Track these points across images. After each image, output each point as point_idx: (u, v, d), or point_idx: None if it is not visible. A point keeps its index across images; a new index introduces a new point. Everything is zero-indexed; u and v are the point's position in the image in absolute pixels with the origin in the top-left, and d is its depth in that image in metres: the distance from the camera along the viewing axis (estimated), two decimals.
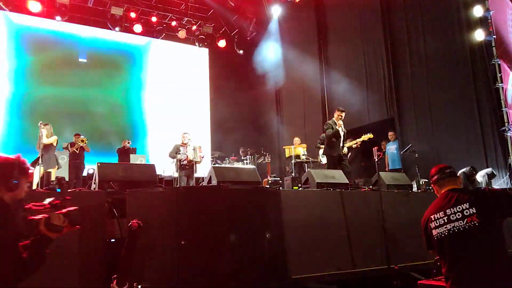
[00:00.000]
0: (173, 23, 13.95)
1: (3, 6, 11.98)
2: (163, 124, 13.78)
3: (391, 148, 9.70)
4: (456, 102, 8.60)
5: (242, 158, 10.82)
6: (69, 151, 9.88)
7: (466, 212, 2.64)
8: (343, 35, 11.52)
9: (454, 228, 2.65)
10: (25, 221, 2.16)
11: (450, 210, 2.71)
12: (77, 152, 9.85)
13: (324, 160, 8.60)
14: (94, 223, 4.20)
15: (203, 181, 7.75)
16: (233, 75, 14.68)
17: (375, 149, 5.68)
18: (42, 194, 4.43)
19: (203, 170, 9.42)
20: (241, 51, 14.99)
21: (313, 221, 5.16)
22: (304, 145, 10.10)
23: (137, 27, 13.32)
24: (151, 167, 5.46)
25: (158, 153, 12.86)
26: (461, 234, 2.62)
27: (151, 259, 4.13)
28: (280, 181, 6.00)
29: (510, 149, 7.86)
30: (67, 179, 8.30)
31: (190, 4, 14.03)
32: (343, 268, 5.12)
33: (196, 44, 14.75)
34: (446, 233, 2.68)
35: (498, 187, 7.32)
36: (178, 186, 8.13)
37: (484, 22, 8.27)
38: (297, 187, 5.75)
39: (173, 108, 14.09)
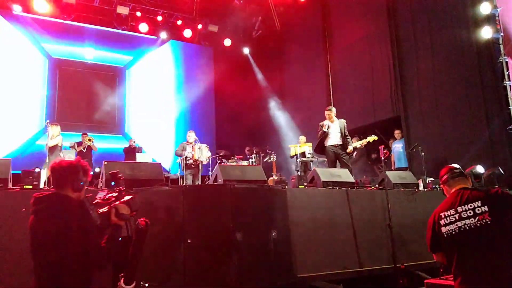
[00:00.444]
0: (179, 22, 13.98)
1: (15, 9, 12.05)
2: (168, 123, 13.83)
3: (397, 146, 9.66)
4: (463, 100, 8.54)
5: (248, 156, 10.83)
6: (76, 150, 9.94)
7: (478, 210, 2.62)
8: (348, 33, 11.47)
9: (465, 226, 2.63)
10: (97, 214, 2.44)
11: (462, 208, 2.69)
12: (84, 151, 9.92)
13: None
14: None
15: (208, 179, 7.78)
16: (238, 74, 14.68)
17: (381, 147, 5.66)
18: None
19: (206, 168, 9.45)
20: (246, 50, 15.00)
21: (319, 219, 5.16)
22: (310, 144, 10.07)
23: (143, 26, 13.36)
24: (157, 166, 5.48)
25: (163, 151, 12.94)
26: (472, 231, 2.60)
27: (158, 257, 4.15)
28: (286, 180, 6.00)
29: None
30: None
31: (195, 3, 14.04)
32: (349, 267, 5.12)
33: (202, 43, 14.77)
34: (457, 230, 2.65)
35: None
36: (184, 184, 8.16)
37: (491, 19, 8.20)
38: (302, 186, 5.74)
39: (178, 107, 14.12)
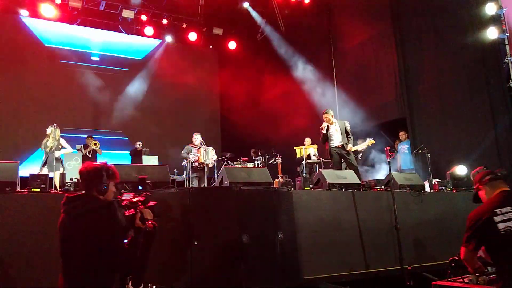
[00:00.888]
0: (184, 25, 14.05)
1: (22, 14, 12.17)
2: (174, 125, 13.88)
3: (403, 148, 9.63)
4: (468, 101, 8.49)
5: (253, 158, 10.84)
6: (82, 153, 10.02)
7: None
8: (353, 35, 11.46)
9: None
10: (123, 216, 2.55)
11: None
12: (89, 156, 9.99)
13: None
14: None
15: (214, 181, 7.79)
16: (242, 76, 14.70)
17: (387, 149, 5.65)
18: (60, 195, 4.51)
19: (212, 171, 9.46)
20: (250, 53, 15.03)
21: (325, 221, 5.16)
22: (315, 146, 10.06)
23: (148, 30, 13.45)
24: (164, 168, 5.51)
25: (169, 154, 12.96)
26: None
27: (165, 259, 4.17)
28: (292, 182, 6.00)
29: None
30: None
31: (200, 6, 14.09)
32: (355, 268, 5.11)
33: (207, 46, 14.83)
34: None
35: None
36: (190, 187, 8.17)
37: (497, 20, 8.16)
38: (308, 188, 5.74)
39: (183, 109, 14.17)
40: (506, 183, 3.02)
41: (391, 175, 5.84)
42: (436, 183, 6.87)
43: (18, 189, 4.53)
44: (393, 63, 10.09)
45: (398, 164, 9.59)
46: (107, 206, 2.49)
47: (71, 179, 5.50)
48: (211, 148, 9.07)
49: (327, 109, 8.02)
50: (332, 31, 12.28)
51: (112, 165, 2.69)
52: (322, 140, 7.76)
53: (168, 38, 14.04)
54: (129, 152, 11.46)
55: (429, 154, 7.95)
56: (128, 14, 12.88)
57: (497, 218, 2.78)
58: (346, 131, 7.68)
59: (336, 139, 7.63)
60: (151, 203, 2.64)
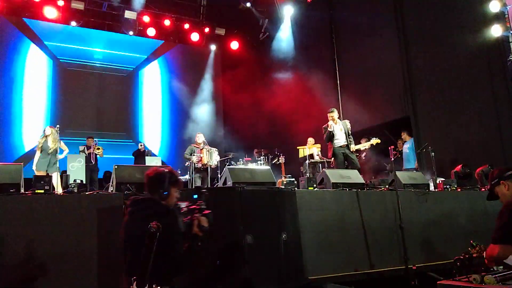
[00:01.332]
0: (186, 26, 14.05)
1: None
2: (176, 125, 13.89)
3: (405, 147, 9.59)
4: (473, 99, 8.45)
5: (256, 158, 10.82)
6: (85, 154, 10.05)
7: None
8: (357, 34, 11.43)
9: None
10: (182, 223, 2.65)
11: None
12: (92, 156, 10.03)
13: None
14: (112, 225, 4.26)
15: (217, 182, 7.79)
16: (245, 76, 14.68)
17: (391, 148, 5.63)
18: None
19: (215, 171, 9.46)
20: (253, 52, 15.02)
21: (329, 221, 5.14)
22: (318, 145, 10.04)
23: (151, 31, 13.46)
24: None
25: (172, 154, 12.99)
26: None
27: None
28: (295, 182, 5.98)
29: None
30: (84, 181, 8.43)
31: (202, 7, 14.11)
32: (360, 268, 5.09)
33: (212, 47, 14.83)
34: None
35: None
36: (194, 187, 8.17)
37: (501, 17, 8.11)
38: (312, 188, 5.72)
39: (186, 110, 14.18)
40: None
41: (395, 174, 5.81)
42: (440, 182, 6.83)
43: (22, 190, 4.55)
44: (396, 62, 10.05)
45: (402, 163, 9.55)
46: (168, 212, 2.59)
47: (74, 180, 5.51)
48: (215, 149, 9.06)
49: (332, 108, 8.02)
50: (335, 28, 12.25)
51: (176, 172, 2.82)
52: (327, 139, 7.76)
53: (171, 39, 14.05)
54: (131, 153, 11.47)
55: (433, 153, 7.91)
56: (130, 15, 12.91)
57: None
58: (348, 131, 7.70)
59: (341, 139, 7.66)
60: (206, 211, 2.73)
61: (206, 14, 14.29)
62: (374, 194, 5.75)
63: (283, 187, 5.64)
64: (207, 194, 2.88)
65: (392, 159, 5.61)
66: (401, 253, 5.09)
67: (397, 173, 6.06)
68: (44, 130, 8.20)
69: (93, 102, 13.22)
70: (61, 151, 8.32)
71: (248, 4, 13.44)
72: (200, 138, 8.97)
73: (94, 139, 10.38)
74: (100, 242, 4.14)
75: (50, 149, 7.91)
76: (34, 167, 7.89)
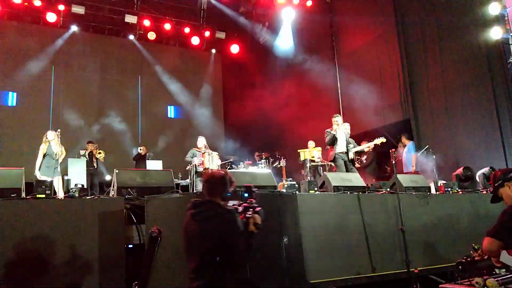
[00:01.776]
0: (186, 30, 14.09)
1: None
2: (178, 129, 13.90)
3: (404, 150, 9.55)
4: (473, 101, 8.46)
5: (257, 162, 10.81)
6: (86, 158, 10.05)
7: None
8: (356, 37, 11.46)
9: None
10: (241, 222, 2.76)
11: None
12: (96, 167, 10.05)
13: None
14: (114, 229, 4.26)
15: None
16: (245, 80, 14.72)
17: (392, 151, 5.62)
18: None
19: None
20: (253, 56, 15.05)
21: (331, 224, 5.13)
22: (319, 148, 10.03)
23: (151, 35, 13.50)
24: (168, 173, 5.51)
25: (173, 158, 12.98)
26: None
27: (170, 265, 4.16)
28: (296, 185, 5.97)
29: None
30: (85, 186, 8.42)
31: (203, 10, 14.15)
32: (362, 272, 5.07)
33: (213, 50, 14.87)
34: None
35: None
36: (195, 191, 8.15)
37: (501, 19, 8.13)
38: (313, 191, 5.71)
39: (187, 114, 14.20)
40: None
41: (396, 177, 5.80)
42: (442, 184, 6.82)
43: (23, 195, 4.54)
44: (397, 64, 10.07)
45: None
46: (229, 212, 2.73)
47: (75, 184, 5.51)
48: (216, 153, 9.05)
49: (336, 114, 8.08)
50: (335, 32, 12.28)
51: (231, 175, 2.97)
52: (329, 142, 7.77)
53: (171, 43, 14.08)
54: (132, 157, 11.47)
55: (434, 156, 7.91)
56: (130, 19, 12.95)
57: None
58: (347, 138, 7.77)
59: (342, 145, 7.72)
60: (257, 208, 2.83)
61: (207, 18, 14.32)
62: (375, 197, 5.73)
63: (284, 190, 5.63)
64: (256, 192, 2.99)
65: (393, 162, 5.60)
66: (402, 257, 5.07)
67: (398, 176, 6.05)
68: (46, 135, 8.10)
69: (94, 106, 13.24)
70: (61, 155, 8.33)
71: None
72: (201, 141, 8.96)
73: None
74: (101, 246, 4.13)
75: (55, 153, 7.87)
76: (37, 173, 7.79)
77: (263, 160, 10.54)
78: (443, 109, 9.03)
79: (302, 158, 10.06)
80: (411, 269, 4.95)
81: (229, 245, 2.60)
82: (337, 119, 7.81)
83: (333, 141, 7.70)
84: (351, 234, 5.20)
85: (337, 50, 12.16)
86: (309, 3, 12.66)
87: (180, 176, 10.22)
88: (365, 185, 6.06)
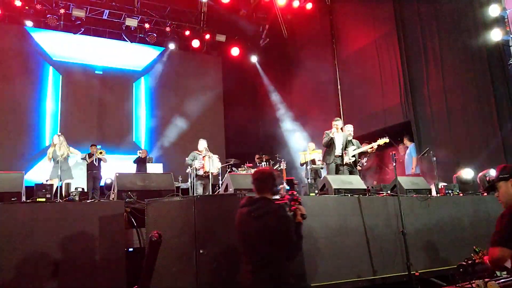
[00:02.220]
0: (187, 33, 14.12)
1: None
2: (178, 132, 13.90)
3: (406, 153, 9.56)
4: (473, 103, 8.45)
5: (258, 164, 10.81)
6: (87, 161, 10.06)
7: None
8: (356, 39, 11.47)
9: None
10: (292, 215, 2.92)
11: None
12: (96, 164, 10.04)
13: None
14: (114, 232, 4.26)
15: (219, 189, 7.77)
16: (246, 82, 14.74)
17: (392, 153, 5.61)
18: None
19: (216, 178, 9.44)
20: (254, 59, 15.08)
21: (331, 227, 5.12)
22: (319, 151, 10.03)
23: (152, 38, 13.53)
24: (169, 176, 5.50)
25: (173, 161, 12.98)
26: None
27: (171, 268, 4.15)
28: (297, 187, 5.97)
29: None
30: (85, 189, 8.43)
31: (203, 13, 14.18)
32: (362, 275, 5.05)
33: (210, 52, 14.89)
34: None
35: None
36: (195, 195, 8.15)
37: (500, 21, 8.13)
38: (313, 194, 5.71)
39: (187, 117, 14.20)
40: None
41: (397, 180, 5.79)
42: (442, 187, 6.80)
43: (24, 199, 4.54)
44: (397, 67, 10.07)
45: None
46: (281, 207, 2.87)
47: (76, 188, 5.51)
48: (216, 156, 9.04)
49: (337, 117, 8.16)
50: (335, 35, 12.29)
51: (277, 171, 3.11)
52: (325, 144, 7.87)
53: (171, 46, 14.10)
54: (133, 160, 11.48)
55: (434, 158, 7.89)
56: (131, 22, 12.98)
57: None
58: (345, 143, 7.84)
59: (337, 149, 7.81)
60: (300, 199, 3.00)
61: (207, 21, 14.35)
62: (376, 200, 5.72)
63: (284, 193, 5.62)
64: (297, 184, 3.16)
65: (394, 164, 5.59)
66: (403, 259, 5.06)
67: (399, 178, 6.04)
68: (52, 140, 8.57)
69: (95, 110, 13.24)
70: (73, 156, 8.64)
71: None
72: (202, 144, 8.95)
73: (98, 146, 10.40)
74: (102, 250, 4.13)
75: (58, 156, 8.19)
76: (48, 177, 8.36)
77: (263, 163, 10.54)
78: (443, 111, 9.03)
79: (302, 161, 10.06)
80: (412, 272, 4.93)
81: (286, 238, 2.76)
82: (337, 123, 7.89)
83: (330, 143, 7.78)
84: (351, 237, 5.19)
85: (338, 53, 12.17)
86: (309, 6, 12.67)
87: (181, 179, 10.21)
88: (366, 187, 6.05)
